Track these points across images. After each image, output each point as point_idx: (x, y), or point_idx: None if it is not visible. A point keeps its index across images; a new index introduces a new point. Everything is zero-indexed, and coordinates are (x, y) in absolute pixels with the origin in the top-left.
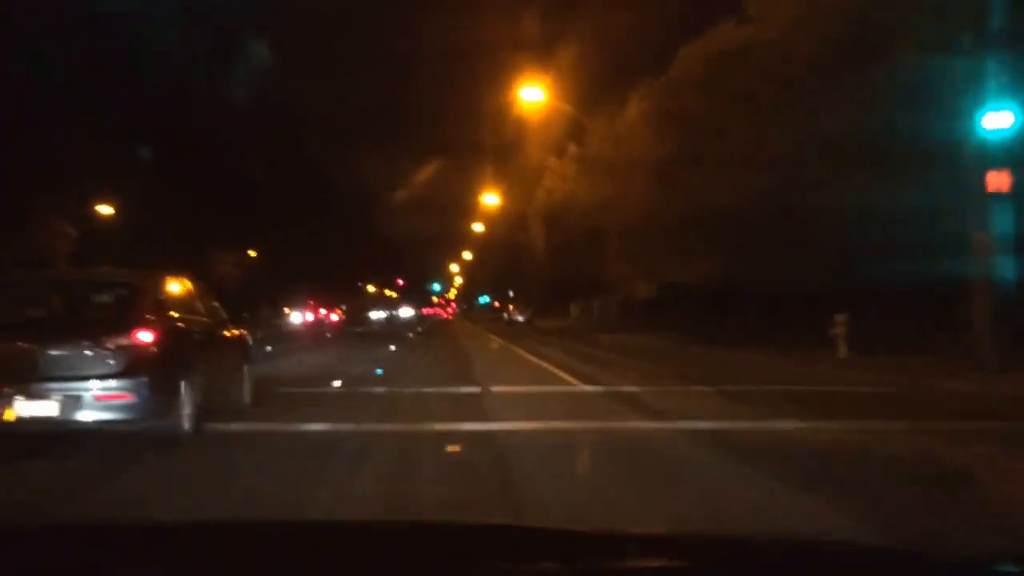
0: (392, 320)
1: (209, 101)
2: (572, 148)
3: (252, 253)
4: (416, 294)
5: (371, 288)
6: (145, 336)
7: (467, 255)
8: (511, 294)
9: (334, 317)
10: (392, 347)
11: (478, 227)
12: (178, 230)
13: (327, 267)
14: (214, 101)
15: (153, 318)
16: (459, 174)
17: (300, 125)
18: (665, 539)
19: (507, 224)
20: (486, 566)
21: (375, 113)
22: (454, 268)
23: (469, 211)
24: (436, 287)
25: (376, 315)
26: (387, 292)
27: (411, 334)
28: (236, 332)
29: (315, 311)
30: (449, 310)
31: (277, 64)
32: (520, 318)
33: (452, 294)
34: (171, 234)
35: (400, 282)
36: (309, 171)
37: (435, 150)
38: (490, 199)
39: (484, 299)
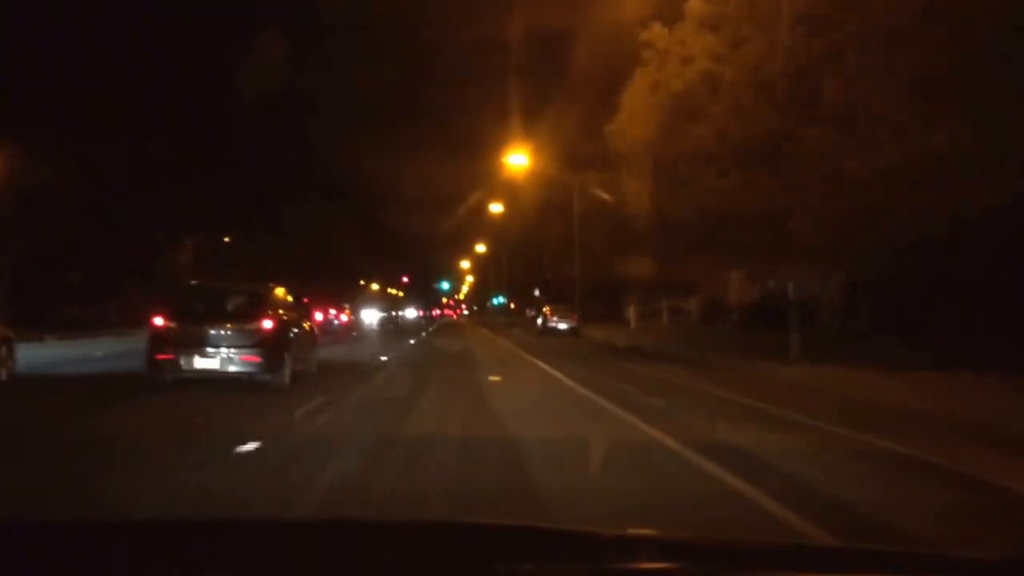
0: (390, 323)
1: (184, 66)
2: (694, 3)
3: (226, 239)
4: (426, 293)
5: (375, 286)
6: (267, 324)
7: (480, 248)
8: (536, 292)
9: (343, 318)
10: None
11: (496, 208)
12: (121, 203)
13: (323, 260)
14: (189, 65)
15: (270, 313)
16: (473, 163)
17: (305, 110)
18: (679, 542)
19: (542, 189)
20: (498, 565)
21: (386, 103)
22: (465, 264)
23: (486, 187)
24: (445, 285)
25: (369, 315)
26: (391, 291)
27: (384, 358)
28: (309, 325)
29: (324, 311)
30: (458, 312)
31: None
32: (563, 325)
33: (462, 295)
34: (110, 205)
35: (405, 279)
36: (304, 151)
37: (450, 141)
38: (516, 160)
39: (499, 299)
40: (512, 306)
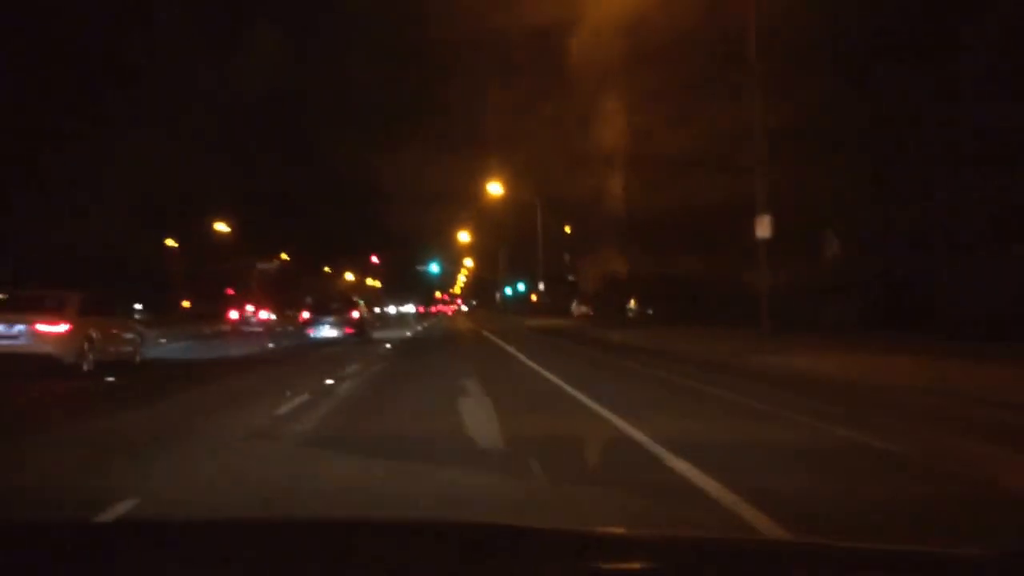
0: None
1: None
2: None
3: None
4: (409, 281)
5: (349, 276)
6: (355, 314)
7: (495, 187)
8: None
9: (263, 315)
10: None
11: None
12: None
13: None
14: None
15: (357, 308)
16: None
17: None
18: (666, 541)
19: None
20: (487, 566)
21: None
22: (463, 237)
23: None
24: (434, 268)
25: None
26: (370, 281)
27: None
28: (369, 315)
29: (240, 308)
30: (453, 307)
31: None
32: None
33: (458, 286)
34: None
35: (375, 259)
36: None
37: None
38: None
39: (518, 287)
40: (533, 298)
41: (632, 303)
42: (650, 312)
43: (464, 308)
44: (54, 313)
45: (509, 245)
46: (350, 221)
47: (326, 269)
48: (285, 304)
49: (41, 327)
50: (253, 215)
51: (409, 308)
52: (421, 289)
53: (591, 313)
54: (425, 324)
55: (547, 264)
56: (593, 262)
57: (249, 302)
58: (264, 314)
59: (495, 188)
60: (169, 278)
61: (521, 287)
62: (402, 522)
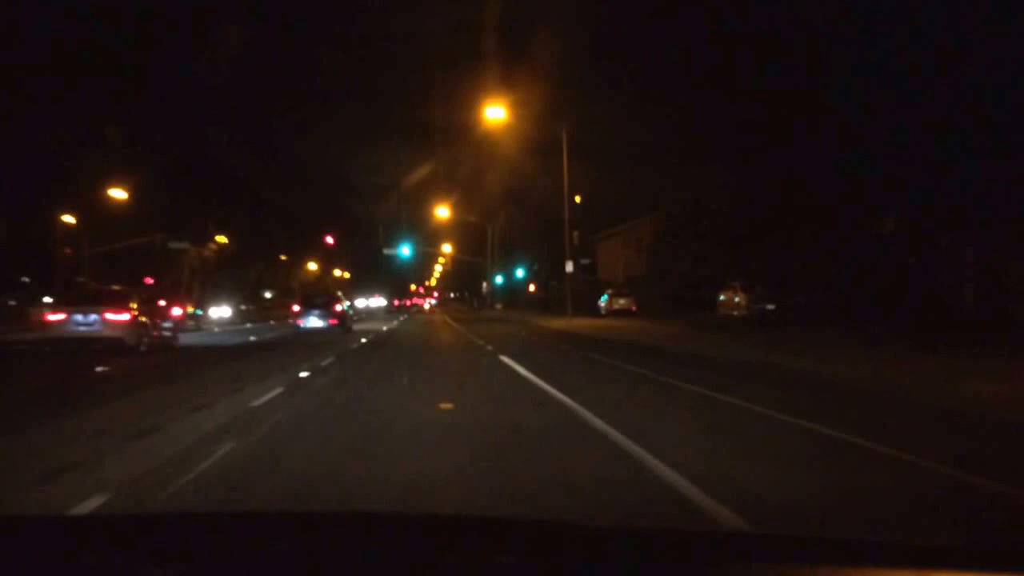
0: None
1: None
2: None
3: None
4: (374, 271)
5: (312, 266)
6: (339, 308)
7: (496, 111)
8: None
9: (176, 311)
10: None
11: None
12: None
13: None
14: None
15: (339, 303)
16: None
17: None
18: (639, 534)
19: None
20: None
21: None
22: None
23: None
24: (405, 252)
25: (219, 313)
26: (339, 272)
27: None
28: (350, 308)
29: (150, 300)
30: (429, 303)
31: None
32: None
33: (434, 278)
34: None
35: (329, 240)
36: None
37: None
38: None
39: (516, 275)
40: (531, 287)
41: (733, 294)
42: (770, 308)
43: (426, 305)
44: (120, 304)
45: (501, 220)
46: (314, 209)
47: (282, 257)
48: (213, 296)
49: (111, 316)
50: (193, 195)
51: (379, 302)
52: (392, 279)
53: (633, 308)
54: (395, 322)
55: (555, 245)
56: (625, 241)
57: (167, 296)
58: (177, 310)
59: (496, 113)
60: (60, 262)
61: (520, 273)
62: (378, 514)
